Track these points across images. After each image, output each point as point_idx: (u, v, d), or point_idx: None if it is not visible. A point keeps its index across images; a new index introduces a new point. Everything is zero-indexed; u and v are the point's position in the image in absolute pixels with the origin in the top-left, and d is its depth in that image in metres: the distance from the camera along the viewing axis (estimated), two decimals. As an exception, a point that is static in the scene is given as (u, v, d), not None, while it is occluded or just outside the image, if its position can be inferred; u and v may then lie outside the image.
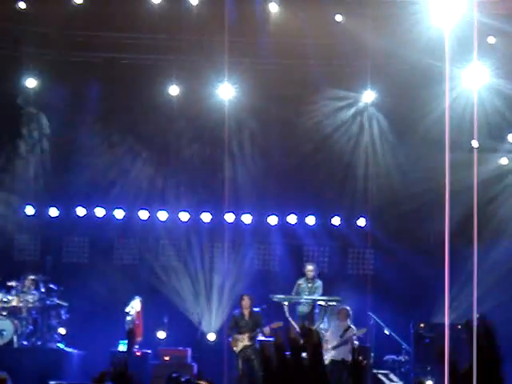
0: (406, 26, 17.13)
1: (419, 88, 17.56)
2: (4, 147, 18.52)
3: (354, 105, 18.84)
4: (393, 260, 18.49)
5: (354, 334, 15.83)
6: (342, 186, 18.64)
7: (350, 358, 14.89)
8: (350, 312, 16.12)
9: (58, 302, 16.96)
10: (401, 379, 16.59)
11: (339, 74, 18.30)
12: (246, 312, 16.03)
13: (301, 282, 17.03)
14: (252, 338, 15.73)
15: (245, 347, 15.64)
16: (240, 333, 15.74)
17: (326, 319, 16.69)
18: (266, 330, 15.73)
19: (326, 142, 18.70)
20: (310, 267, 17.07)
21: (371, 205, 18.58)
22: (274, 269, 19.39)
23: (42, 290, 16.79)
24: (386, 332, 17.32)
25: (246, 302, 16.06)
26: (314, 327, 15.06)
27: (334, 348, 15.62)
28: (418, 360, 16.84)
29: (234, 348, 15.72)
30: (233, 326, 15.97)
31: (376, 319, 17.44)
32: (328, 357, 15.29)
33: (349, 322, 16.01)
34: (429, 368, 16.50)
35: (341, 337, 15.75)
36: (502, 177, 18.51)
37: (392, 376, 16.52)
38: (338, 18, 17.84)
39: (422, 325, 17.14)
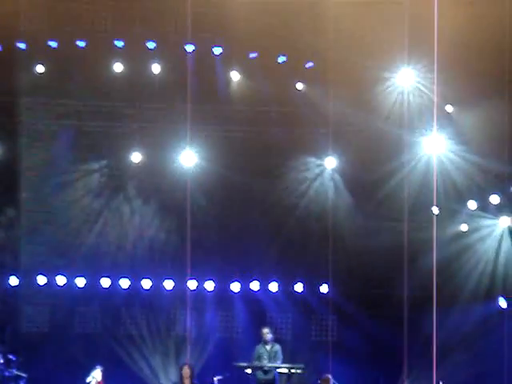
0: (367, 92, 17.47)
1: (380, 154, 17.80)
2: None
3: (316, 171, 18.98)
4: (355, 326, 18.49)
5: None
6: (305, 252, 18.68)
7: None
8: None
9: (17, 373, 16.68)
10: None
11: (301, 140, 18.50)
12: (187, 382, 16.10)
13: (259, 346, 17.01)
14: None
15: None
16: None
17: (289, 387, 16.62)
18: None
19: (288, 209, 18.78)
20: (265, 330, 17.10)
21: (333, 271, 18.61)
22: (237, 336, 19.30)
23: (1, 360, 16.51)
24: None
25: (185, 371, 16.15)
26: None
27: None
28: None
29: None
30: None
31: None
32: None
33: None
34: None
35: None
36: (460, 242, 18.68)
37: None
38: (299, 85, 18.11)
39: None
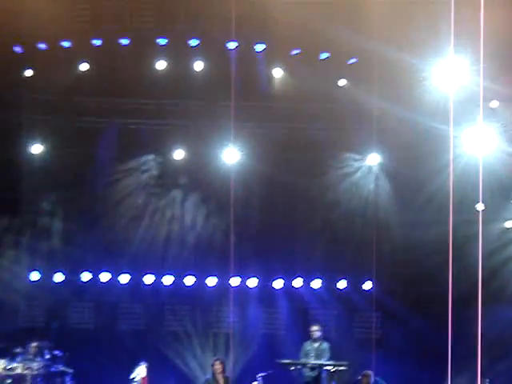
0: (411, 88, 17.33)
1: (424, 151, 17.66)
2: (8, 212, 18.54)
3: (359, 168, 18.91)
4: (399, 324, 18.40)
5: None
6: (348, 249, 18.62)
7: None
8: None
9: (62, 368, 16.81)
10: None
11: (344, 137, 18.44)
12: (220, 377, 16.17)
13: (306, 344, 16.95)
14: None
15: None
16: None
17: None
18: None
19: (332, 206, 18.74)
20: (314, 327, 17.00)
21: (377, 268, 18.52)
22: (280, 333, 19.30)
23: (47, 356, 16.66)
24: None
25: (217, 367, 16.23)
26: None
27: None
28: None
29: None
30: None
31: (383, 384, 17.29)
32: None
33: None
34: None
35: None
36: (506, 238, 18.49)
37: None
38: (342, 82, 18.05)
39: (431, 393, 16.99)
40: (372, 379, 16.11)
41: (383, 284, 18.70)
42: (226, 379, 16.19)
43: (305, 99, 17.92)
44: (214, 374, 16.24)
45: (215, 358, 16.56)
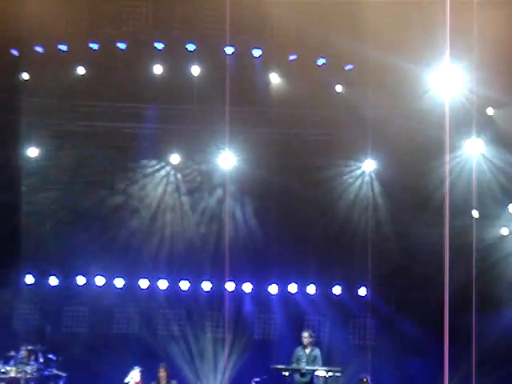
0: (407, 94, 17.36)
1: (419, 157, 17.68)
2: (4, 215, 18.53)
3: (355, 173, 18.92)
4: (394, 330, 18.40)
5: None
6: (343, 254, 18.62)
7: None
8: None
9: (56, 372, 16.78)
10: None
11: (339, 143, 18.43)
12: (163, 383, 16.24)
13: (298, 349, 16.95)
14: None
15: None
16: None
17: (327, 390, 16.57)
18: None
19: (326, 211, 18.74)
20: (305, 334, 17.00)
21: (372, 274, 18.53)
22: (275, 338, 19.29)
23: (41, 360, 16.62)
24: (388, 404, 17.16)
25: (161, 374, 16.27)
26: None
27: None
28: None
29: None
30: None
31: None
32: None
33: None
34: None
35: None
36: (501, 246, 18.51)
37: None
38: (338, 87, 18.07)
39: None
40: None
41: (378, 290, 18.69)
42: None
43: (301, 105, 17.95)
44: (158, 381, 16.26)
45: (161, 365, 16.43)
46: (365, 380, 15.92)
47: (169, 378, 16.24)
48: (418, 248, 18.11)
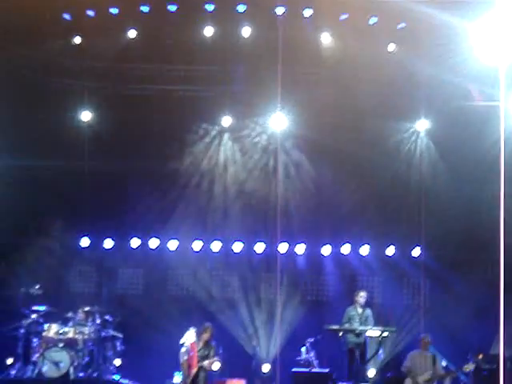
0: (461, 53, 17.07)
1: (473, 116, 17.46)
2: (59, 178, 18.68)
3: (408, 133, 18.76)
4: (448, 290, 18.33)
5: (462, 370, 15.62)
6: (397, 215, 18.53)
7: None
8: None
9: (113, 333, 17.00)
10: (459, 411, 16.34)
11: (392, 103, 18.24)
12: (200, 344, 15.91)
13: (350, 309, 16.98)
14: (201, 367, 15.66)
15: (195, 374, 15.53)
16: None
17: (381, 350, 16.59)
18: (206, 363, 15.67)
19: (379, 172, 18.63)
20: (362, 293, 17.06)
21: (426, 235, 18.43)
22: (328, 299, 19.33)
23: (98, 321, 16.85)
24: (444, 363, 17.06)
25: (205, 334, 15.96)
26: None
27: (427, 382, 15.34)
28: (476, 392, 16.55)
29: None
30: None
31: (432, 350, 17.22)
32: None
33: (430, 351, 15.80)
34: (487, 400, 16.25)
35: (445, 369, 15.51)
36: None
37: (450, 408, 16.26)
38: (391, 47, 17.86)
39: (479, 356, 16.85)
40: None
41: (432, 250, 18.59)
42: (210, 347, 16.00)
43: (353, 65, 17.75)
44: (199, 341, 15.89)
45: (204, 326, 16.04)
46: (426, 340, 15.85)
47: (211, 339, 16.03)
48: (471, 208, 17.94)
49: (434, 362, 15.47)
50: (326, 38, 17.83)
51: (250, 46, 17.88)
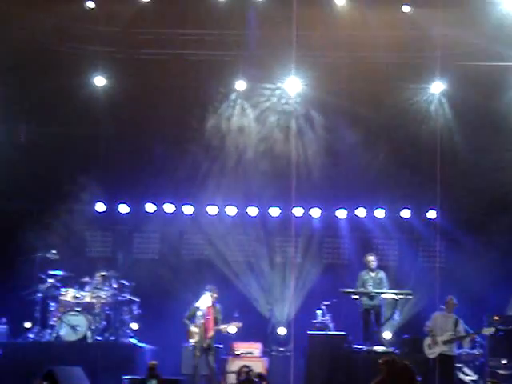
0: (476, 14, 16.89)
1: (491, 77, 17.30)
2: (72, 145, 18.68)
3: (423, 95, 18.62)
4: (464, 252, 18.29)
5: (482, 333, 15.65)
6: (412, 178, 18.45)
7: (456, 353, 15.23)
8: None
9: (129, 297, 17.14)
10: (475, 373, 16.32)
11: (408, 65, 18.11)
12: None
13: (363, 273, 17.00)
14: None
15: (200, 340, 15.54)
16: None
17: (396, 312, 16.60)
18: (224, 327, 15.79)
19: (394, 135, 18.55)
20: (370, 257, 17.06)
21: (441, 197, 18.33)
22: (343, 262, 19.34)
23: (114, 285, 16.98)
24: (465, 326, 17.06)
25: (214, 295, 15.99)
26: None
27: (446, 343, 15.37)
28: (492, 353, 16.50)
29: (191, 340, 15.68)
30: (190, 316, 15.86)
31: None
32: (436, 351, 15.25)
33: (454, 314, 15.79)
34: (503, 361, 16.23)
35: (465, 331, 15.53)
36: None
37: (466, 369, 16.25)
38: (406, 8, 17.67)
39: (496, 317, 16.83)
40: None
41: (447, 212, 18.52)
42: (216, 309, 16.05)
43: (368, 27, 17.56)
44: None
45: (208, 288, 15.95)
46: (451, 301, 15.81)
47: (215, 301, 16.03)
48: (488, 170, 17.84)
49: (456, 323, 15.45)
50: (340, 1, 17.66)
51: (263, 9, 17.73)
